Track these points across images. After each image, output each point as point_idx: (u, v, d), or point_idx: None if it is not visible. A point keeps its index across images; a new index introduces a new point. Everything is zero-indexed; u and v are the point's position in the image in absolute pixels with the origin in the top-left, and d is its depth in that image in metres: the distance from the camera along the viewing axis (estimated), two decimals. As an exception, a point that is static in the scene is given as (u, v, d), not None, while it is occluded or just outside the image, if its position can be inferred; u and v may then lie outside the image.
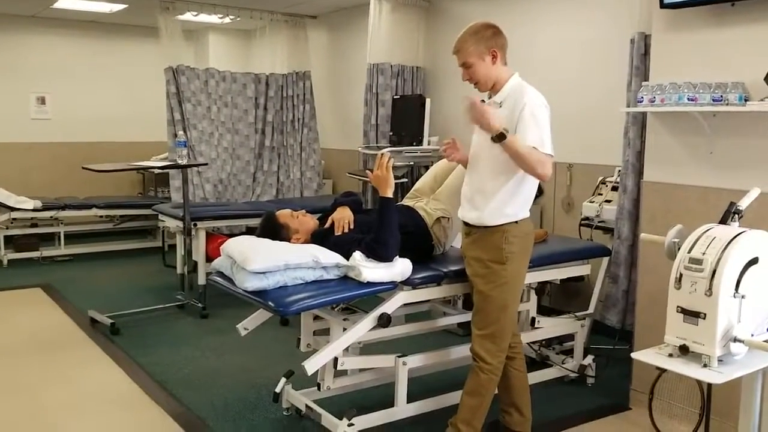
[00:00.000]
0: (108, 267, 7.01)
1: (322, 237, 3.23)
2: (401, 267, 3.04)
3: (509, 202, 2.89)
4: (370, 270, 2.94)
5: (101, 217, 7.51)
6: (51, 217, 7.11)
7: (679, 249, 2.39)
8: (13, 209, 6.82)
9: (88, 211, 7.27)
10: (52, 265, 7.06)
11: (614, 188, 4.33)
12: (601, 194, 4.43)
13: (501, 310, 2.93)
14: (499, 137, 2.72)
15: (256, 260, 2.85)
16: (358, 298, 3.07)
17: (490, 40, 2.85)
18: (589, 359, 3.97)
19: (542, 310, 4.61)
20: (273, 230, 3.28)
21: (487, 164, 2.89)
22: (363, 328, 3.03)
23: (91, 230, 7.70)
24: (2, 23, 7.85)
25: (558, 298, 5.01)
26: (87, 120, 8.37)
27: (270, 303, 2.81)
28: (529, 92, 2.83)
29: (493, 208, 2.89)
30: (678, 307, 2.32)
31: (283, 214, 3.35)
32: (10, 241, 7.11)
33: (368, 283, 2.96)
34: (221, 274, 3.18)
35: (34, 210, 6.92)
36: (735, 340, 2.24)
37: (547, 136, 2.79)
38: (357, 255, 2.97)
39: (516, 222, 2.91)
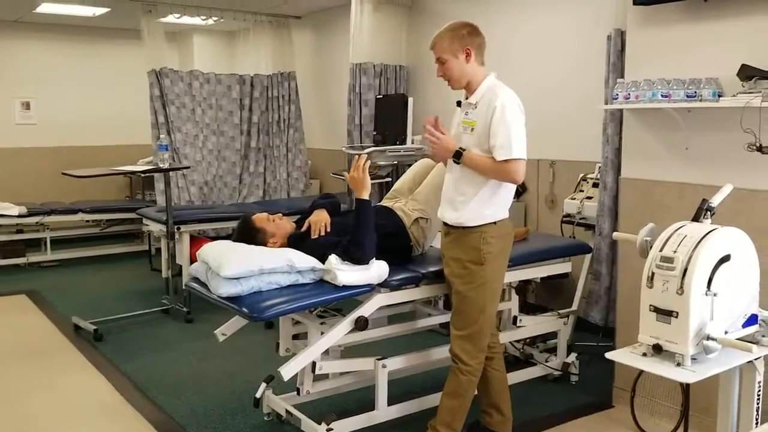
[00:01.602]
0: (95, 272, 6.99)
1: (298, 240, 3.21)
2: (377, 269, 3.02)
3: (487, 204, 2.88)
4: (345, 273, 2.93)
5: (87, 221, 7.47)
6: (37, 222, 7.07)
7: (651, 247, 2.39)
8: (-3, 215, 6.78)
9: (74, 216, 7.23)
10: (39, 271, 7.03)
11: (595, 185, 4.32)
12: (582, 191, 4.42)
13: (479, 310, 2.91)
14: (456, 157, 2.83)
15: (230, 266, 2.83)
16: (334, 302, 3.05)
17: (465, 39, 2.86)
18: (573, 357, 3.96)
19: (527, 308, 4.62)
20: (249, 234, 3.26)
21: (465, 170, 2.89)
22: (339, 332, 3.01)
23: (77, 235, 7.67)
24: (-15, 28, 7.82)
25: (543, 296, 5.00)
26: (72, 124, 8.33)
27: (244, 309, 2.79)
28: (502, 94, 2.81)
29: (471, 209, 2.88)
30: (650, 305, 2.32)
31: (260, 218, 3.33)
32: (-5, 247, 7.08)
33: (344, 286, 2.94)
34: (197, 280, 3.16)
35: (20, 216, 6.88)
36: (708, 338, 2.24)
37: (516, 139, 2.77)
38: (332, 258, 2.95)
39: (494, 223, 2.90)
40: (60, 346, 4.73)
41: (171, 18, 6.83)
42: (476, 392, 3.15)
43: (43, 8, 7.00)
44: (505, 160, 2.76)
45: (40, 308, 5.62)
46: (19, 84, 8.08)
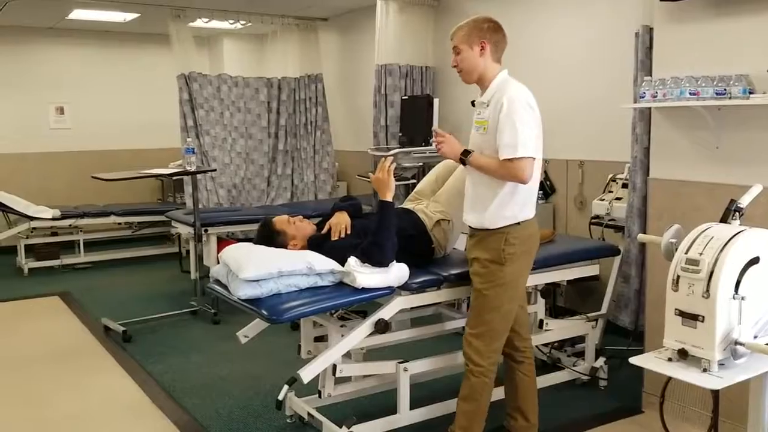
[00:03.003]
0: (127, 274, 7.09)
1: (318, 243, 3.19)
2: (397, 272, 2.98)
3: (507, 205, 2.82)
4: (364, 276, 2.90)
5: (119, 224, 7.58)
6: (70, 225, 7.19)
7: (676, 249, 2.32)
8: (32, 219, 6.90)
9: (106, 219, 7.35)
10: (72, 272, 7.16)
11: (624, 185, 4.23)
12: (612, 192, 4.34)
13: (494, 310, 2.86)
14: (461, 161, 2.83)
15: (249, 268, 2.83)
16: (353, 305, 3.03)
17: (484, 32, 2.82)
18: (601, 361, 3.87)
19: (557, 311, 4.55)
20: (269, 237, 3.26)
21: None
22: (359, 335, 2.98)
23: (110, 237, 7.79)
24: (21, 35, 7.98)
25: (572, 298, 4.92)
26: (105, 128, 8.47)
27: (264, 311, 2.78)
28: (511, 90, 2.75)
29: (492, 211, 2.84)
30: (676, 309, 2.26)
31: (280, 221, 3.32)
32: (31, 250, 7.21)
33: (363, 289, 2.91)
34: (219, 282, 3.16)
35: (54, 219, 7.00)
36: (736, 343, 2.17)
37: (522, 137, 2.68)
38: (351, 260, 2.93)
39: (518, 223, 2.85)
40: (89, 347, 4.79)
41: (199, 22, 6.89)
42: (504, 395, 3.12)
43: (76, 14, 7.13)
44: (510, 159, 2.69)
45: (71, 309, 5.71)
46: (54, 89, 8.24)
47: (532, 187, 2.88)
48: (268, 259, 2.91)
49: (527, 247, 2.92)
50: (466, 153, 2.83)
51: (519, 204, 2.85)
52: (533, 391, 3.15)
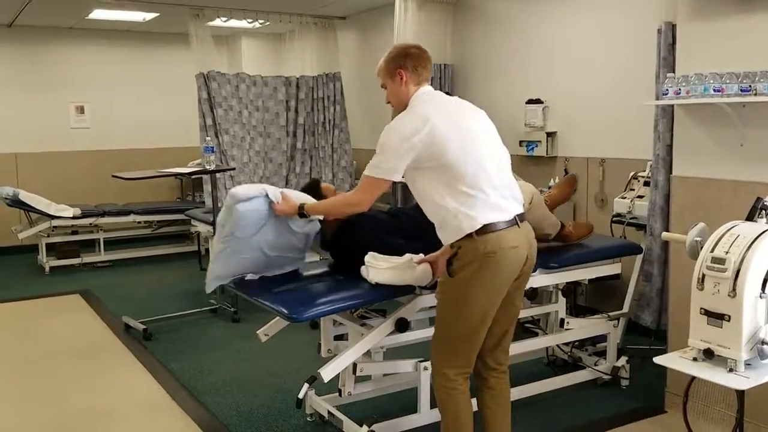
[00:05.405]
0: (146, 272, 7.14)
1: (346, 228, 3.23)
2: (419, 271, 2.96)
3: (447, 224, 2.59)
4: (377, 271, 2.89)
5: (139, 222, 7.63)
6: (90, 224, 7.26)
7: (701, 248, 2.30)
8: (53, 217, 6.97)
9: (126, 218, 7.42)
10: (93, 271, 7.22)
11: (646, 183, 4.20)
12: (633, 190, 4.30)
13: (441, 324, 2.66)
14: (301, 215, 2.96)
15: (240, 191, 2.95)
16: (373, 303, 3.02)
17: (398, 61, 2.75)
18: (623, 360, 3.84)
19: (577, 310, 4.52)
20: (313, 192, 3.29)
21: (417, 195, 2.72)
22: (380, 334, 2.97)
23: (130, 236, 7.84)
24: (41, 35, 8.06)
25: (593, 297, 4.88)
26: (125, 127, 8.54)
27: (283, 309, 2.78)
28: (398, 117, 2.71)
29: (440, 233, 2.66)
30: (701, 308, 2.24)
31: (327, 187, 3.46)
32: (52, 248, 7.28)
33: (384, 287, 2.90)
34: (238, 283, 3.17)
35: (74, 217, 7.07)
36: (763, 342, 2.15)
37: (376, 160, 2.66)
38: (368, 255, 2.93)
39: (470, 235, 2.51)
40: (110, 344, 4.83)
41: (218, 21, 6.91)
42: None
43: (96, 14, 7.18)
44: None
45: (92, 307, 5.76)
46: (74, 89, 8.31)
47: (465, 201, 2.52)
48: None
49: (482, 263, 2.51)
50: (302, 207, 2.94)
51: (459, 218, 2.53)
52: (502, 426, 2.83)
